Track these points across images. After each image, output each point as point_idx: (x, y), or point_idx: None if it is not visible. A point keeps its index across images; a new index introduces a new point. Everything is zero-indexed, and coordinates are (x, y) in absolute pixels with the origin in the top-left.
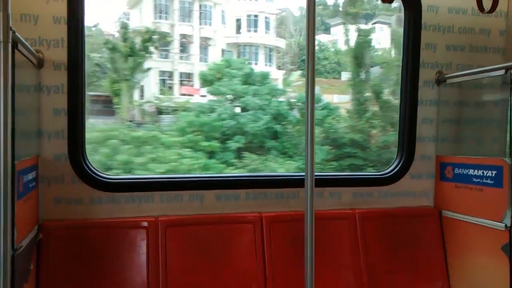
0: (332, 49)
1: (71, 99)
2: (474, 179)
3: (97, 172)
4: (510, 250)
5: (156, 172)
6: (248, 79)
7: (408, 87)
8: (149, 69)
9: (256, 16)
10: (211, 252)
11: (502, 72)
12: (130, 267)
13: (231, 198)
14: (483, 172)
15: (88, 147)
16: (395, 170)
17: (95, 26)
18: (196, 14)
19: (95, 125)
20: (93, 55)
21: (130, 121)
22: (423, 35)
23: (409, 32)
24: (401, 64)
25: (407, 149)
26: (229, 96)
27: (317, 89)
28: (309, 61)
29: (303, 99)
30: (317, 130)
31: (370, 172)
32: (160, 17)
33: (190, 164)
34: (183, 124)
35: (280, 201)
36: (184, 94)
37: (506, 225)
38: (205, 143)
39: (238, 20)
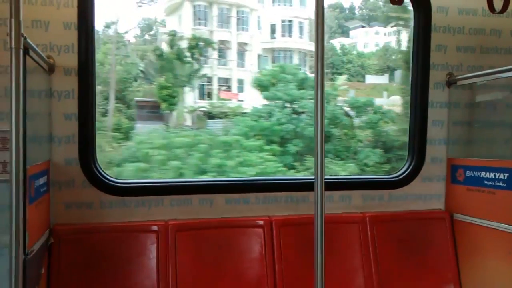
0: (355, 52)
1: (82, 104)
2: (486, 182)
3: (107, 176)
4: None
5: (250, 175)
6: (303, 84)
7: (418, 89)
8: (204, 75)
9: (290, 21)
10: (221, 256)
11: None
12: (140, 271)
13: (241, 202)
14: (495, 175)
15: (181, 151)
16: (405, 173)
17: (126, 32)
18: (233, 20)
19: (157, 130)
20: (133, 62)
21: (180, 125)
22: (433, 36)
23: (419, 34)
24: (410, 66)
25: (418, 152)
26: (278, 101)
27: (352, 92)
28: (319, 64)
29: (357, 103)
30: (367, 133)
31: (380, 175)
32: (199, 24)
33: (275, 167)
34: (244, 129)
35: (290, 205)
36: (223, 99)
37: None
38: (267, 147)
39: (273, 26)
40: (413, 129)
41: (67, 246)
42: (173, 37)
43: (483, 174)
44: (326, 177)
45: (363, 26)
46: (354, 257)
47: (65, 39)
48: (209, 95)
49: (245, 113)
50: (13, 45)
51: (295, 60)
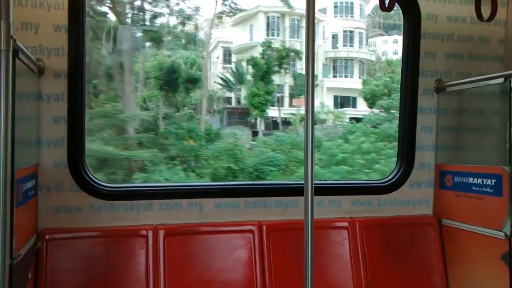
0: (383, 60)
1: (71, 107)
2: (474, 188)
3: (96, 180)
4: (510, 259)
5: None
6: None
7: (407, 95)
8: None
9: (351, 31)
10: (210, 260)
11: (501, 80)
12: (128, 276)
13: (231, 207)
14: (482, 181)
15: (372, 156)
16: (394, 179)
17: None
18: (304, 30)
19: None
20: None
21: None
22: (422, 43)
23: (408, 40)
24: (400, 72)
25: (407, 158)
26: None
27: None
28: (309, 67)
29: None
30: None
31: (369, 181)
32: (272, 34)
33: None
34: (372, 136)
35: (279, 210)
36: (294, 106)
37: (505, 234)
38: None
39: (335, 36)
40: (402, 134)
41: (55, 250)
42: (267, 47)
43: (471, 179)
44: (315, 182)
45: (381, 34)
46: (343, 262)
47: (55, 41)
48: (282, 102)
49: (355, 120)
50: (2, 47)
51: (356, 68)
